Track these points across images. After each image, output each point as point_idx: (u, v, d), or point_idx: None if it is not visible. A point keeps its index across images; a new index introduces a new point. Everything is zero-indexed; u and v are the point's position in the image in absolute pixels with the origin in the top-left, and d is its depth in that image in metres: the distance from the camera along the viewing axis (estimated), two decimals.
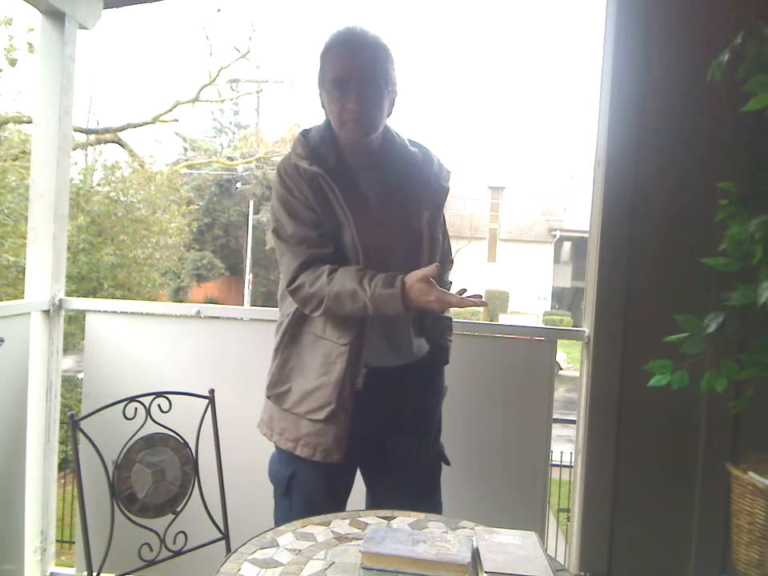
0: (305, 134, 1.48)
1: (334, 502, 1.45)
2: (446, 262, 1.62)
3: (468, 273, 18.36)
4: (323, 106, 1.47)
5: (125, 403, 1.60)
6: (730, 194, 1.61)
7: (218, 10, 12.92)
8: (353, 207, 1.40)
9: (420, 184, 1.49)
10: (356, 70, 1.39)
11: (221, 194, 18.73)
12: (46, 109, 2.12)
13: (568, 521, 2.83)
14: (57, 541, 2.32)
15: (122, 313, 2.20)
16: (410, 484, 1.50)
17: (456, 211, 19.28)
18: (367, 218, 1.41)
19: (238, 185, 18.70)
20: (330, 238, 1.41)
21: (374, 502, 1.55)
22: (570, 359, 13.76)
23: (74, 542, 3.70)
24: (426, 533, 1.16)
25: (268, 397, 1.51)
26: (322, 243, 1.41)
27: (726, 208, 1.61)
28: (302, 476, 1.45)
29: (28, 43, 8.25)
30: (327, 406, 1.40)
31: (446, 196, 1.54)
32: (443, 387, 1.61)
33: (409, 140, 1.55)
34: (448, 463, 1.58)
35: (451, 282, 1.71)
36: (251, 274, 18.21)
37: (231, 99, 16.39)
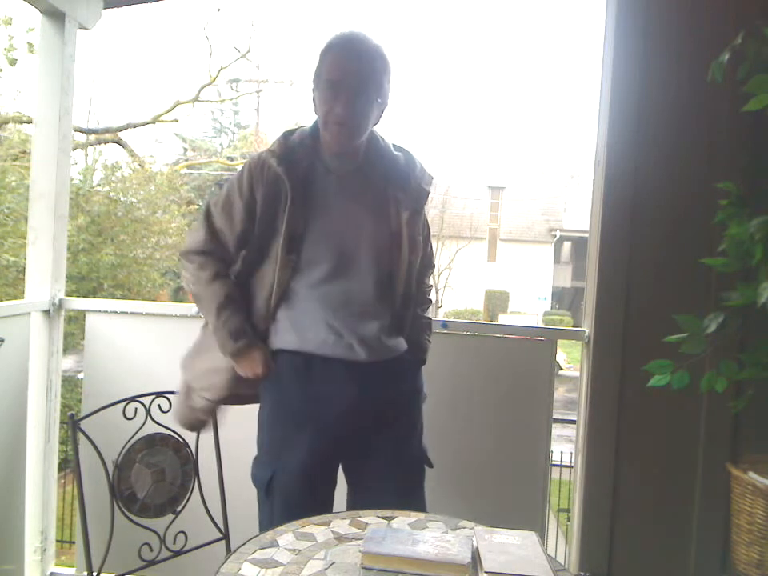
0: (286, 134, 1.52)
1: (316, 501, 1.44)
2: (427, 265, 1.67)
3: (468, 273, 18.39)
4: (314, 102, 1.49)
5: (125, 403, 1.60)
6: (729, 194, 1.61)
7: (218, 10, 12.92)
8: (306, 218, 1.45)
9: (400, 186, 1.52)
10: (350, 76, 1.41)
11: None
12: (46, 109, 2.12)
13: (568, 521, 2.83)
14: (57, 541, 2.32)
15: (122, 313, 2.20)
16: (391, 484, 1.48)
17: (456, 211, 19.28)
18: (324, 228, 1.46)
19: None
20: (258, 242, 1.48)
21: (355, 502, 1.53)
22: (570, 359, 13.76)
23: (74, 542, 3.70)
24: (426, 533, 1.16)
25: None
26: (231, 249, 1.51)
27: (726, 208, 1.61)
28: (281, 477, 1.45)
29: (28, 43, 8.24)
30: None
31: (426, 198, 1.58)
32: (422, 388, 1.60)
33: (393, 145, 1.58)
34: (431, 465, 1.56)
35: (431, 286, 1.75)
36: None
37: (231, 99, 16.37)
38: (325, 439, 1.44)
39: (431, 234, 1.72)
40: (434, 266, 1.74)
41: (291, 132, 1.52)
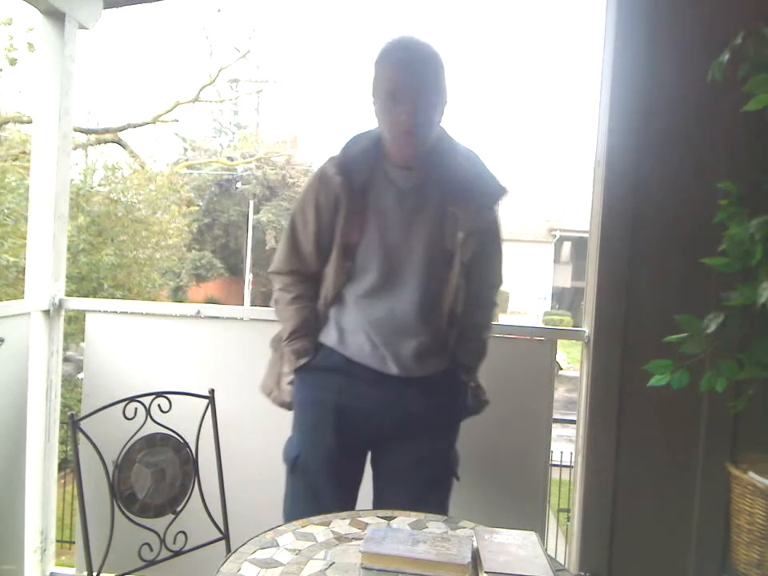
0: (350, 142, 1.53)
1: (337, 487, 1.50)
2: (491, 284, 1.62)
3: None
4: (376, 115, 1.48)
5: (125, 403, 1.59)
6: (729, 194, 1.61)
7: (218, 11, 12.93)
8: (362, 227, 1.47)
9: (461, 202, 1.48)
10: (409, 84, 1.40)
11: (221, 193, 18.69)
12: (46, 109, 2.12)
13: (568, 521, 2.83)
14: (57, 541, 2.32)
15: (122, 313, 2.20)
16: (411, 488, 1.50)
17: None
18: (377, 239, 1.47)
19: (238, 185, 18.68)
20: (327, 249, 1.51)
21: (377, 497, 1.56)
22: (570, 359, 13.75)
23: (74, 542, 3.70)
24: (426, 533, 1.16)
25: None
26: (313, 262, 1.56)
27: (726, 208, 1.61)
28: (305, 458, 1.51)
29: (28, 43, 8.24)
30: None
31: (485, 220, 1.51)
32: (457, 406, 1.60)
33: (466, 149, 1.54)
34: (457, 478, 1.59)
35: (495, 305, 1.66)
36: (251, 274, 18.21)
37: (231, 99, 16.36)
38: (350, 432, 1.49)
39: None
40: (499, 284, 1.65)
41: (357, 138, 1.53)
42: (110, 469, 1.54)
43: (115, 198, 8.84)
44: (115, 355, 2.17)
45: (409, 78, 1.40)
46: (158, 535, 1.60)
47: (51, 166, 2.11)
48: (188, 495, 1.67)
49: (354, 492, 1.55)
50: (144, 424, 1.60)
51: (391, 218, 1.48)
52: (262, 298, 18.29)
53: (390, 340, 1.48)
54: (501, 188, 1.52)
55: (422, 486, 1.51)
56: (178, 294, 15.56)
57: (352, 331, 1.50)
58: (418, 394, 1.50)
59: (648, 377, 1.61)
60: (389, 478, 1.56)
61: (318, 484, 1.50)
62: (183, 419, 1.67)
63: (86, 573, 1.53)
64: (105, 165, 9.29)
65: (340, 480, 1.53)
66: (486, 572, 1.01)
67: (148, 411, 1.62)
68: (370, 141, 1.51)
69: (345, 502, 1.50)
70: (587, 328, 2.04)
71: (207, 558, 1.50)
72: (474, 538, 1.13)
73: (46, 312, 2.14)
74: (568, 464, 4.19)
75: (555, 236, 21.12)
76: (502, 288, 1.68)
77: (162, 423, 1.63)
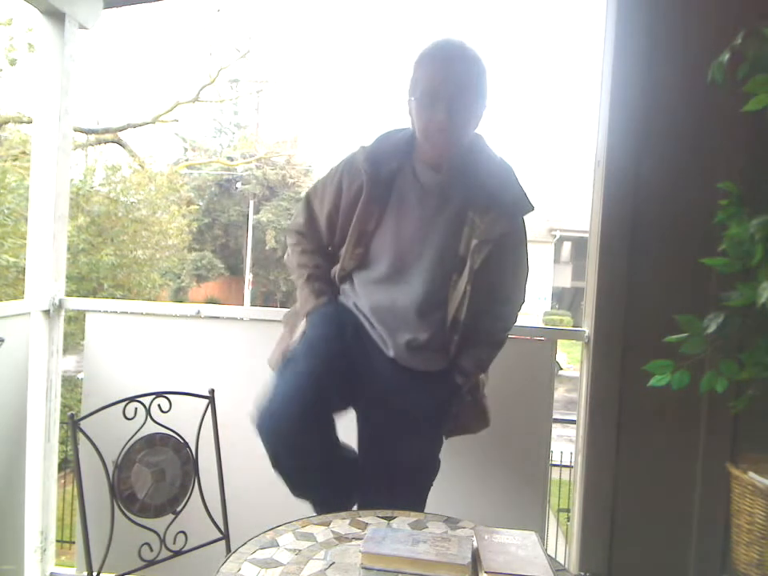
0: (390, 132, 1.55)
1: (322, 377, 1.43)
2: (501, 300, 1.58)
3: None
4: (410, 114, 1.49)
5: (125, 403, 1.59)
6: (730, 194, 1.61)
7: (218, 11, 12.94)
8: (380, 218, 1.49)
9: (481, 209, 1.47)
10: (449, 83, 1.41)
11: (221, 193, 18.71)
12: (46, 109, 2.12)
13: (568, 521, 2.83)
14: (57, 541, 2.32)
15: (122, 313, 2.20)
16: (385, 464, 1.49)
17: None
18: (391, 232, 1.49)
19: (238, 185, 18.69)
20: (341, 232, 1.55)
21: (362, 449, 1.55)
22: (570, 359, 13.75)
23: (74, 542, 3.70)
24: (426, 533, 1.16)
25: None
26: (324, 237, 1.61)
27: (726, 208, 1.61)
28: (298, 353, 1.49)
29: (28, 43, 8.25)
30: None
31: (502, 230, 1.47)
32: (437, 406, 1.54)
33: (500, 159, 1.53)
34: (427, 483, 1.54)
35: (506, 320, 1.63)
36: (251, 274, 18.23)
37: (231, 99, 16.36)
38: (350, 367, 1.48)
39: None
40: (516, 300, 1.61)
41: (391, 133, 1.54)
42: (110, 469, 1.54)
43: (115, 197, 8.84)
44: (115, 355, 2.17)
45: (449, 77, 1.41)
46: (158, 535, 1.60)
47: (51, 166, 2.11)
48: (188, 495, 1.67)
49: (334, 403, 1.47)
50: (144, 424, 1.60)
51: (410, 214, 1.49)
52: (262, 298, 18.30)
53: (389, 327, 1.51)
54: (526, 203, 1.50)
55: (395, 474, 1.48)
56: (178, 295, 15.56)
57: (361, 308, 1.55)
58: (409, 382, 1.50)
59: (648, 377, 1.61)
60: (370, 448, 1.54)
61: (303, 365, 1.43)
62: (183, 419, 1.67)
63: (85, 573, 1.53)
64: (105, 165, 9.29)
65: (328, 377, 1.44)
66: (485, 572, 1.01)
67: (148, 411, 1.62)
68: (403, 137, 1.53)
69: (325, 392, 1.43)
70: (587, 328, 2.04)
71: (207, 557, 1.50)
72: (474, 538, 1.12)
73: (46, 312, 2.14)
74: (568, 464, 4.19)
75: (555, 236, 21.11)
76: None
77: (162, 423, 1.63)
